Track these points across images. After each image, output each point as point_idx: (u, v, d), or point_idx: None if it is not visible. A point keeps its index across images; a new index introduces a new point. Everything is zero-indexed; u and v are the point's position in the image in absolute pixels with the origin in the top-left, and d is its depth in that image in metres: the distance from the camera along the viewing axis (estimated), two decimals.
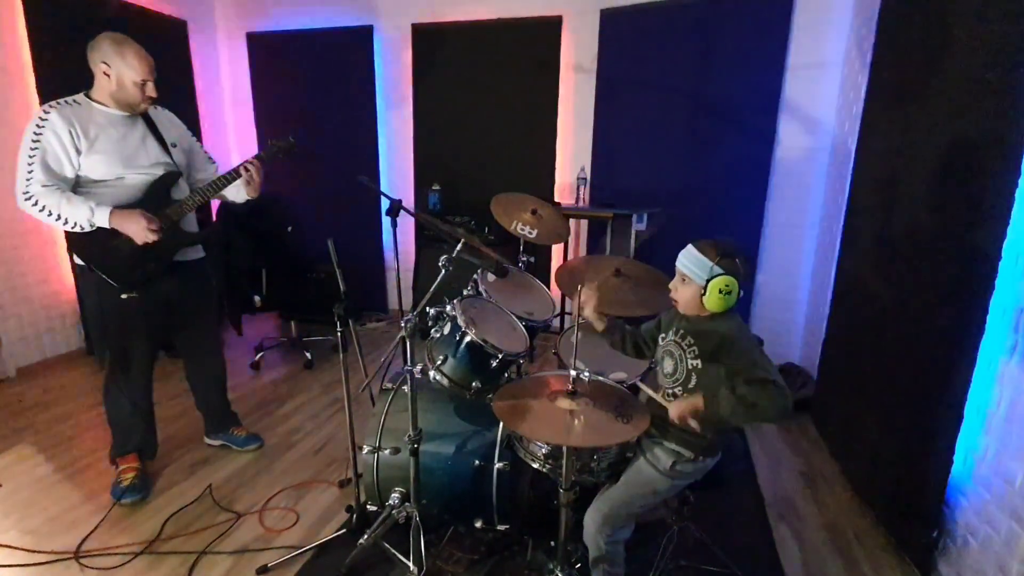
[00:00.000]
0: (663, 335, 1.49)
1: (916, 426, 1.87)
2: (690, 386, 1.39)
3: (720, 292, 1.31)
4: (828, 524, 2.08)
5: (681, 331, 1.43)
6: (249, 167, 2.10)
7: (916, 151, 2.02)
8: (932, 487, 1.75)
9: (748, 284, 3.25)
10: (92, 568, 1.79)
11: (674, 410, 1.35)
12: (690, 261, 1.36)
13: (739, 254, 1.35)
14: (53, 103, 1.90)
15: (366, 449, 1.83)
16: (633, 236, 3.32)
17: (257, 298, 3.46)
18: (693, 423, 1.33)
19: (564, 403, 1.36)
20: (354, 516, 1.89)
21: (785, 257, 3.42)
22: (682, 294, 1.40)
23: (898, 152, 2.15)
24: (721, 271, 1.31)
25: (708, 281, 1.32)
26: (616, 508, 1.48)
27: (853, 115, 2.72)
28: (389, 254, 4.54)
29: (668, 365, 1.45)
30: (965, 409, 1.64)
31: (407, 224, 4.37)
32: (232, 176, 2.10)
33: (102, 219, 1.88)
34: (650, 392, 1.44)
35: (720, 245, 1.35)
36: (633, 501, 1.48)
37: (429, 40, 4.04)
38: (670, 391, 1.45)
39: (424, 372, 1.74)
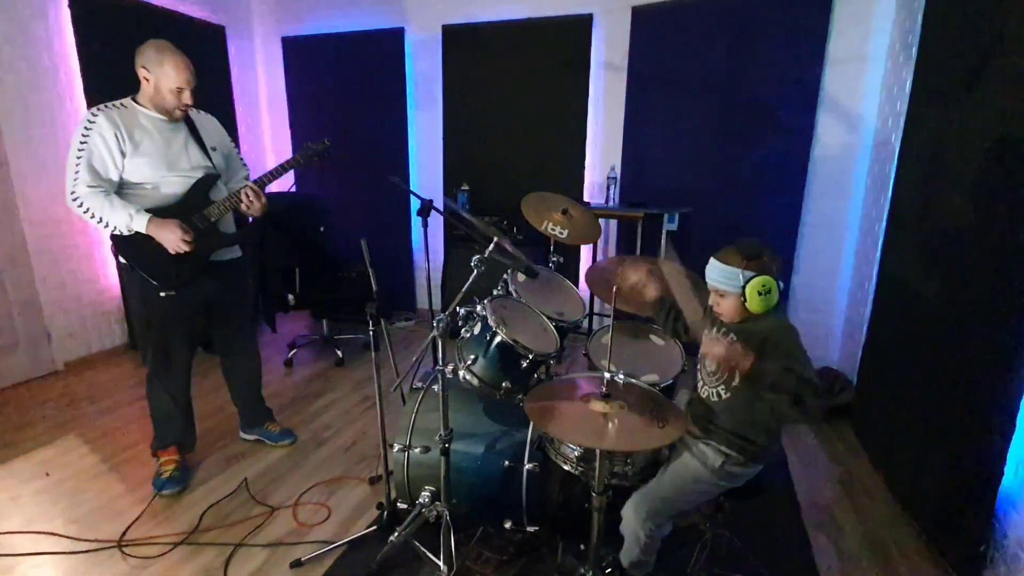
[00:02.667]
0: (707, 331, 1.47)
1: (964, 434, 1.79)
2: (734, 384, 1.37)
3: (760, 294, 1.29)
4: (868, 535, 2.01)
5: (724, 328, 1.41)
6: (249, 193, 2.12)
7: (964, 149, 1.93)
8: (981, 498, 1.68)
9: (783, 284, 3.18)
10: (134, 557, 1.85)
11: (715, 347, 1.31)
12: (718, 274, 1.36)
13: (765, 251, 1.33)
14: (101, 106, 1.97)
15: (397, 447, 1.84)
16: (664, 236, 3.27)
17: (291, 296, 3.53)
18: (733, 354, 1.27)
19: (597, 406, 1.34)
20: (385, 513, 1.91)
21: (823, 258, 3.32)
22: (724, 307, 1.39)
23: (945, 150, 2.06)
24: (753, 273, 1.30)
25: (744, 288, 1.30)
26: (661, 503, 1.46)
27: (897, 111, 2.62)
28: (418, 254, 4.58)
29: (711, 363, 1.43)
30: (1018, 417, 1.56)
31: (437, 224, 4.40)
32: (237, 197, 2.11)
33: (140, 225, 1.95)
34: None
35: (742, 248, 1.33)
36: (678, 497, 1.46)
37: (459, 40, 4.06)
38: (712, 391, 1.43)
39: (454, 372, 1.74)
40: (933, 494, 1.95)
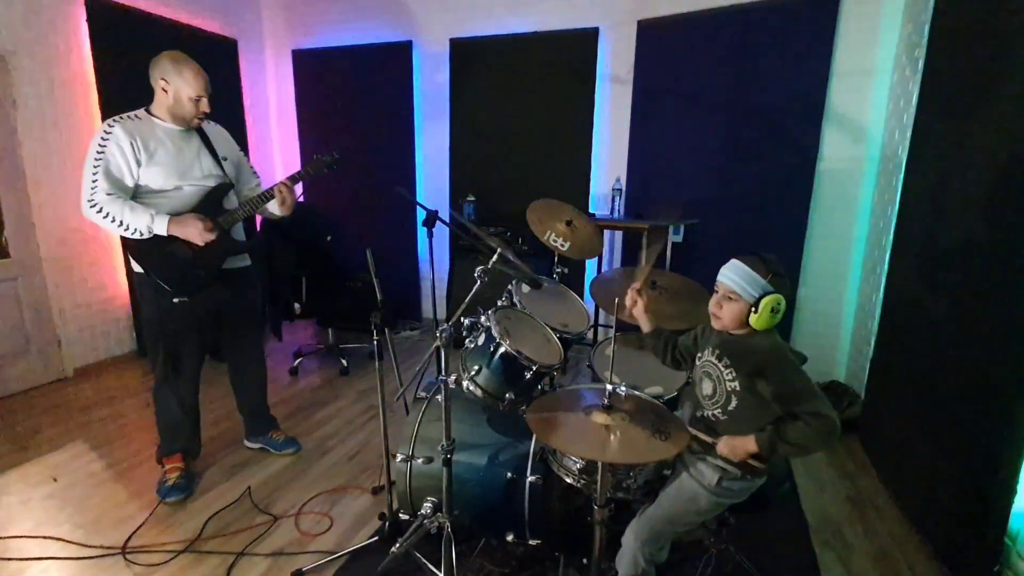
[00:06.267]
0: (700, 354, 1.45)
1: (976, 450, 1.76)
2: (731, 408, 1.35)
3: (772, 311, 1.26)
4: (878, 553, 1.98)
5: (717, 351, 1.38)
6: (283, 188, 2.19)
7: (972, 162, 1.92)
8: (993, 516, 1.64)
9: (788, 301, 3.16)
10: (137, 564, 1.85)
11: (725, 447, 1.33)
12: (740, 277, 1.30)
13: (786, 272, 1.32)
14: (117, 118, 2.01)
15: (399, 457, 1.84)
16: (669, 248, 3.27)
17: (297, 305, 3.56)
18: (753, 461, 1.31)
19: (600, 418, 1.33)
20: (387, 524, 1.90)
21: (830, 270, 3.30)
22: (727, 311, 1.33)
23: (953, 163, 2.05)
24: (772, 289, 1.27)
25: (759, 299, 1.27)
26: (661, 527, 1.44)
27: (904, 124, 2.62)
28: (424, 264, 4.60)
29: (707, 387, 1.41)
30: None
31: (442, 234, 4.42)
32: (268, 195, 2.20)
33: (161, 227, 1.99)
34: (702, 436, 1.40)
35: (768, 261, 1.31)
36: (677, 518, 1.44)
37: (467, 54, 4.11)
38: (710, 414, 1.41)
39: (458, 382, 1.74)
40: (944, 511, 1.91)
